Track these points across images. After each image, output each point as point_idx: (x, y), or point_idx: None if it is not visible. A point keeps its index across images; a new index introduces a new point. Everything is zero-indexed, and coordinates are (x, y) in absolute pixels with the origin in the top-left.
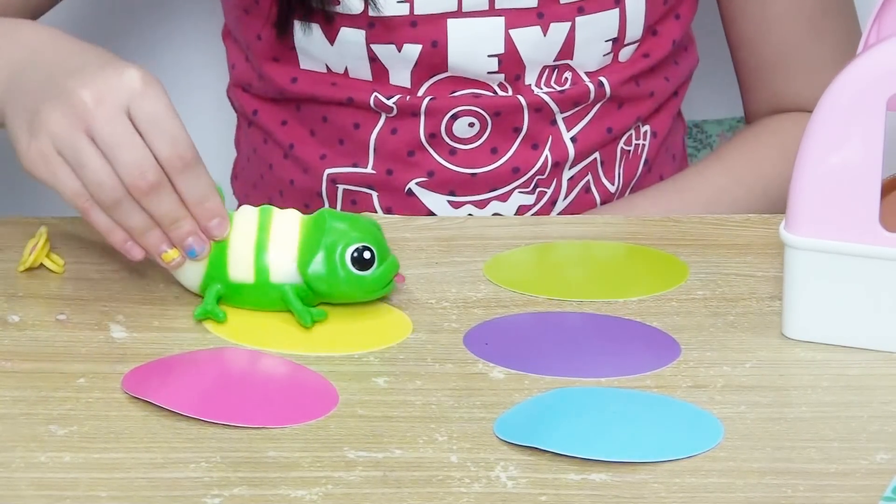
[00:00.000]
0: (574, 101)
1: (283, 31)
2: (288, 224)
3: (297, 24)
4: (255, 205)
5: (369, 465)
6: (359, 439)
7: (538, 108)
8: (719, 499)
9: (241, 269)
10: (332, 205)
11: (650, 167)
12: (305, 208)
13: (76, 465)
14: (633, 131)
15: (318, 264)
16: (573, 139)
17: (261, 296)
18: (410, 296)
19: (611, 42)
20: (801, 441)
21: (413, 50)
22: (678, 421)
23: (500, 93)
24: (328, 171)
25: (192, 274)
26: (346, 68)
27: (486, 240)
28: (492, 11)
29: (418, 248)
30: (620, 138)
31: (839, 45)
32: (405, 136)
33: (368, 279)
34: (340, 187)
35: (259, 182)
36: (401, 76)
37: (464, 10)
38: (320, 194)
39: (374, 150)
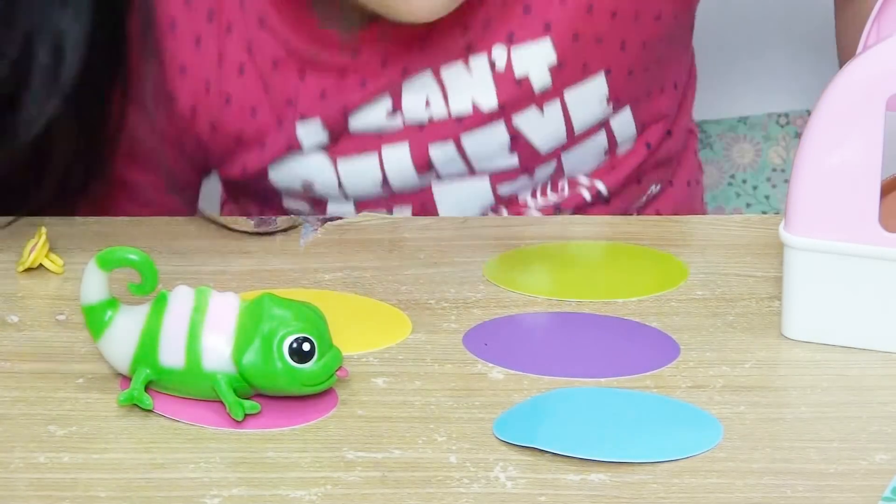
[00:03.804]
0: (573, 211)
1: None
2: (226, 308)
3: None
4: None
5: (368, 465)
6: (358, 440)
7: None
8: (719, 499)
9: (172, 353)
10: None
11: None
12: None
13: (75, 465)
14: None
15: (253, 354)
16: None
17: (191, 383)
18: (410, 296)
19: (603, 151)
20: (800, 441)
21: (405, 212)
22: (677, 421)
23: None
24: None
25: (122, 355)
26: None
27: (486, 240)
28: (474, 174)
29: (418, 248)
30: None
31: None
32: None
33: (307, 373)
34: None
35: None
36: None
37: (443, 177)
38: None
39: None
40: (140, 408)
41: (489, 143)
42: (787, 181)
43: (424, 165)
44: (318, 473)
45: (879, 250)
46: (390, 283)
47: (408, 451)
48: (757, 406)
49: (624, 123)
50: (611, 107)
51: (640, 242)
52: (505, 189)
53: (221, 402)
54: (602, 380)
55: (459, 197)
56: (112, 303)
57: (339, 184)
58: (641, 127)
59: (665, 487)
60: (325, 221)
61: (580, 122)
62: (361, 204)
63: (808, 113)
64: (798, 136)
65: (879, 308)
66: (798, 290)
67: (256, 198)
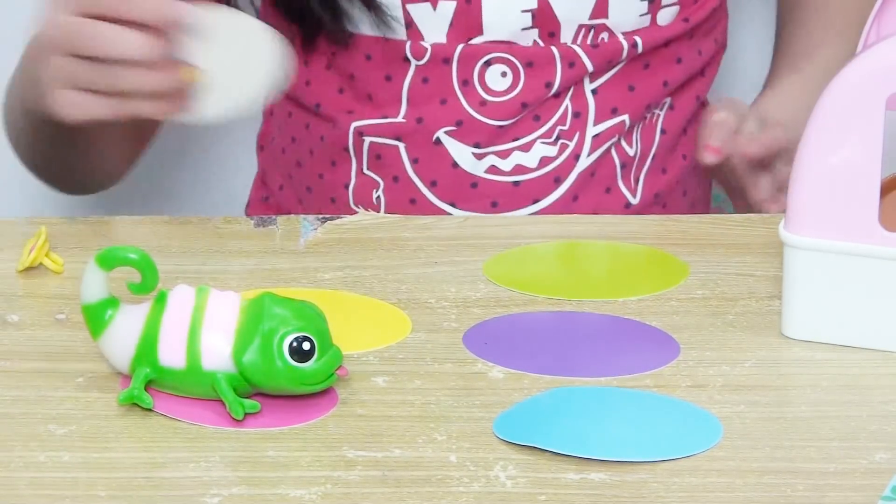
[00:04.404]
0: (607, 60)
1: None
2: (226, 307)
3: None
4: (283, 168)
5: (368, 464)
6: (358, 439)
7: (571, 63)
8: (719, 498)
9: (172, 352)
10: (359, 160)
11: (673, 143)
12: (332, 166)
13: (75, 464)
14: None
15: (253, 353)
16: (594, 91)
17: (191, 382)
18: (410, 295)
19: (647, 2)
20: (800, 440)
21: (448, 7)
22: (677, 420)
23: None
24: (355, 123)
25: (122, 354)
26: (384, 35)
27: (485, 239)
28: None
29: (418, 247)
30: (647, 102)
31: None
32: (437, 84)
33: (307, 372)
34: (367, 140)
35: (289, 146)
36: (436, 40)
37: None
38: (347, 149)
39: (408, 99)
40: (140, 407)
41: None
42: None
43: None
44: (318, 472)
45: (879, 250)
46: (390, 283)
47: (408, 451)
48: (757, 405)
49: None
50: None
51: (640, 242)
52: None
53: (221, 401)
54: (602, 379)
55: None
56: (112, 302)
57: None
58: None
59: (665, 486)
60: (326, 221)
61: None
62: None
63: None
64: None
65: (879, 307)
66: (798, 290)
67: None
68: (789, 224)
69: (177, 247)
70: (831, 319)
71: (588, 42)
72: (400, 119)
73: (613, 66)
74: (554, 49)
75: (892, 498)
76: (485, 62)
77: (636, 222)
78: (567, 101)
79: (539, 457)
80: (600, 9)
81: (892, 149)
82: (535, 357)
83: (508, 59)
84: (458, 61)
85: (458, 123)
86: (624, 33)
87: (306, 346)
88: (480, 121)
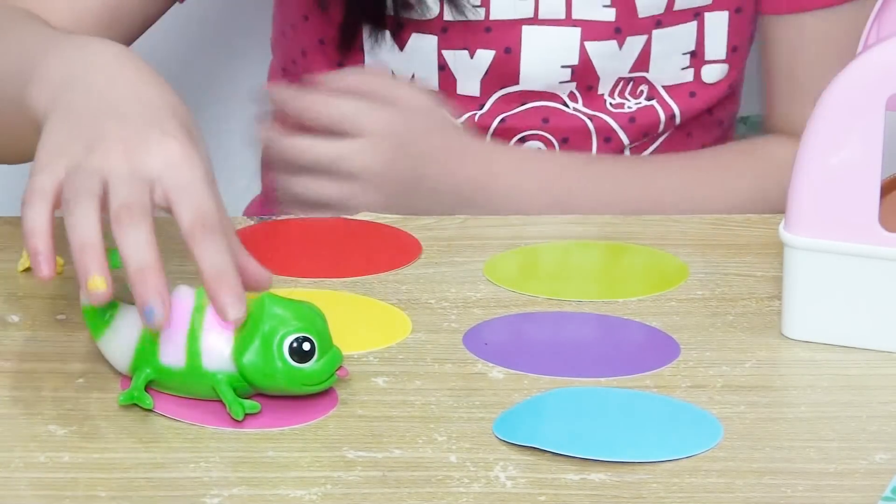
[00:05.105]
0: (643, 132)
1: (348, 45)
2: None
3: (365, 31)
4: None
5: (368, 465)
6: (358, 439)
7: (607, 138)
8: (719, 499)
9: (172, 352)
10: None
11: (720, 122)
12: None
13: (75, 464)
14: None
15: (253, 353)
16: None
17: (191, 382)
18: (410, 296)
19: (689, 55)
20: (800, 441)
21: (486, 56)
22: (677, 421)
23: (570, 104)
24: None
25: (122, 354)
26: (413, 76)
27: (486, 240)
28: (568, 21)
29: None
30: None
31: None
32: None
33: (307, 372)
34: None
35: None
36: (469, 86)
37: (540, 17)
38: None
39: None
40: (140, 407)
41: None
42: None
43: None
44: (318, 473)
45: (879, 250)
46: (390, 283)
47: (408, 451)
48: (757, 406)
49: (715, 27)
50: None
51: (640, 242)
52: (593, 50)
53: (221, 401)
54: (602, 379)
55: (547, 47)
56: (112, 303)
57: None
58: (732, 50)
59: (665, 487)
60: None
61: None
62: (452, 31)
63: None
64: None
65: (879, 308)
66: (798, 290)
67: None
68: (789, 224)
69: (177, 247)
70: (831, 319)
71: (626, 93)
72: None
73: (651, 140)
74: (589, 123)
75: (892, 498)
76: (520, 138)
77: (636, 222)
78: None
79: (539, 457)
80: (641, 62)
81: (892, 149)
82: (535, 357)
83: (544, 136)
84: (493, 136)
85: None
86: (665, 87)
87: (306, 346)
88: None
